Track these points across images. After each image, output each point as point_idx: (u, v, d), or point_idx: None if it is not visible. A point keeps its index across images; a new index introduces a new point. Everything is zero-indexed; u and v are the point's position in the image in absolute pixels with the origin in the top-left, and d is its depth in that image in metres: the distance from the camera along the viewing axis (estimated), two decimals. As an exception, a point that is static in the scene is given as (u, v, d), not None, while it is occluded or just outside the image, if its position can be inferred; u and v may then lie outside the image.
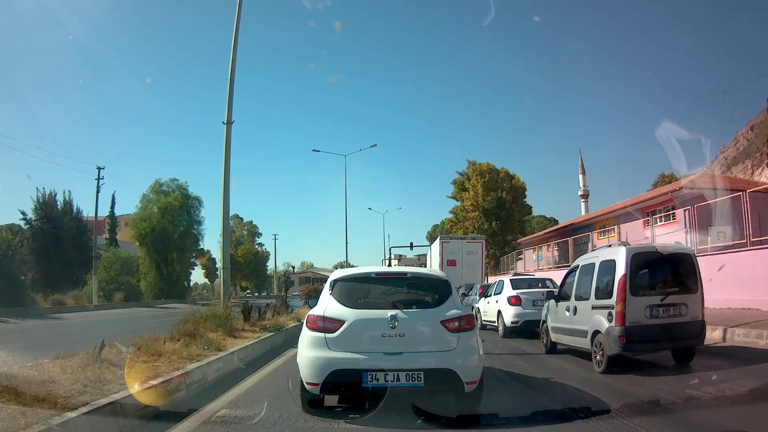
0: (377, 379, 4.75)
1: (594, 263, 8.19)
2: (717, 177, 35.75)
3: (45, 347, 8.12)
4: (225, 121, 11.94)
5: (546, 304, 10.00)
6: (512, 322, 12.74)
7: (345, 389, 5.10)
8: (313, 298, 6.68)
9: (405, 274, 5.86)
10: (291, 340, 11.45)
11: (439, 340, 5.02)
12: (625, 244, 7.96)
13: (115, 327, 14.36)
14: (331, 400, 5.34)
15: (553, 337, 9.41)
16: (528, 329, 12.30)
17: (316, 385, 4.87)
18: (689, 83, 67.35)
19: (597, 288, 7.93)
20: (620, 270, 7.46)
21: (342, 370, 4.82)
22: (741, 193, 15.16)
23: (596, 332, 7.74)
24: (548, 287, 13.84)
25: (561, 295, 9.25)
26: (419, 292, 5.50)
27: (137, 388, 5.12)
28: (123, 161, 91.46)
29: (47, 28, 59.80)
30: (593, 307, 7.91)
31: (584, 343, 8.11)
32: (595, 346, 7.76)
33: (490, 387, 6.33)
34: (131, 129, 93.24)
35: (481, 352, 5.22)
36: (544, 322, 9.86)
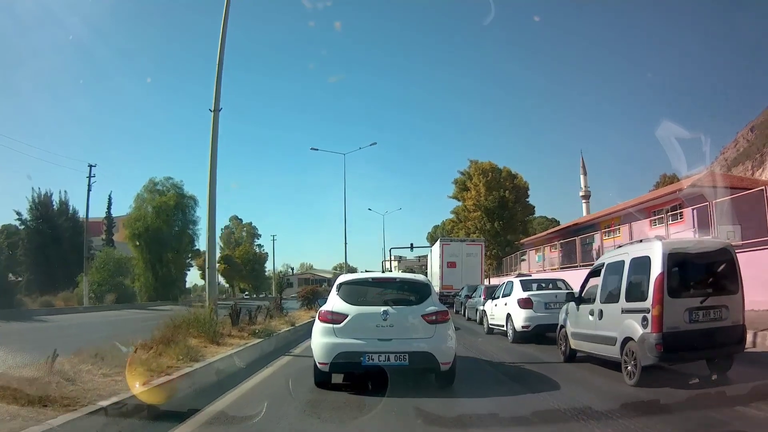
0: (373, 359, 6.01)
1: (623, 261, 7.22)
2: (725, 175, 35.03)
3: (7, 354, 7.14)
4: (212, 108, 11.03)
5: (564, 307, 9.02)
6: (523, 327, 11.78)
7: (348, 367, 6.30)
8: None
9: (395, 279, 7.53)
10: (283, 346, 10.47)
11: (421, 329, 6.27)
12: (660, 238, 7.01)
13: (95, 331, 13.51)
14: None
15: (573, 343, 8.44)
16: (539, 334, 11.56)
17: (326, 364, 6.12)
18: (690, 84, 67.11)
19: (628, 289, 6.97)
20: (656, 268, 6.50)
21: (346, 353, 6.07)
22: (764, 187, 14.30)
23: (627, 339, 6.78)
24: (560, 288, 13.07)
25: (583, 298, 8.29)
26: (405, 292, 6.79)
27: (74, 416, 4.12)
28: (123, 161, 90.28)
29: (47, 28, 58.93)
30: (624, 311, 6.95)
31: (612, 352, 7.15)
32: (626, 355, 6.81)
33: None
34: (131, 129, 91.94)
35: (453, 340, 6.47)
36: (563, 327, 8.88)
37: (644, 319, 6.51)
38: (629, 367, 6.73)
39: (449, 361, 6.23)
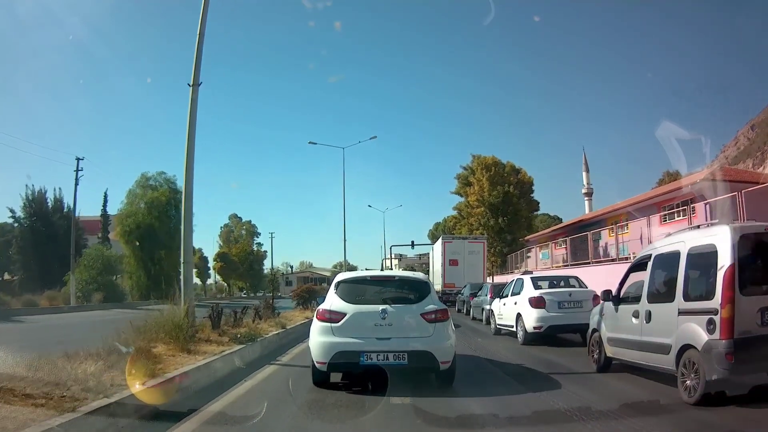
0: (371, 359, 5.93)
1: (678, 251, 5.93)
2: (736, 170, 33.85)
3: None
4: (191, 83, 9.69)
5: (598, 308, 7.72)
6: (535, 328, 10.97)
7: (346, 366, 6.21)
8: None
9: (393, 277, 7.46)
10: (269, 353, 9.10)
11: (419, 328, 6.15)
12: (729, 221, 5.72)
13: (63, 333, 12.32)
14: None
15: (610, 351, 7.16)
16: (551, 335, 11.01)
17: (324, 363, 6.04)
18: (690, 83, 66.38)
19: (687, 285, 5.69)
20: (724, 258, 5.23)
21: (344, 352, 5.98)
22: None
23: (686, 347, 5.52)
24: (573, 286, 12.21)
25: (622, 296, 7.01)
26: (404, 291, 6.64)
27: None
28: (123, 161, 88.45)
29: (47, 28, 57.75)
30: (681, 312, 5.67)
31: (664, 362, 5.88)
32: (684, 367, 5.54)
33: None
34: (131, 128, 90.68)
35: (453, 338, 6.35)
36: (596, 331, 7.59)
37: (710, 322, 5.24)
38: (688, 382, 5.46)
39: (449, 360, 6.18)
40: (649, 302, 6.26)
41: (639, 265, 6.82)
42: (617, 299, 7.04)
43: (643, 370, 6.58)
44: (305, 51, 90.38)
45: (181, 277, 8.88)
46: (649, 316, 6.20)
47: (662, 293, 6.14)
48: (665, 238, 6.51)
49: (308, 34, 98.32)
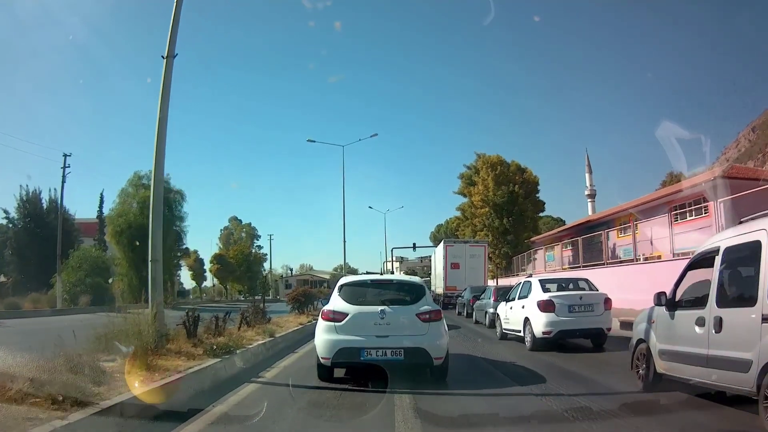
0: (371, 354, 6.57)
1: (758, 241, 4.63)
2: (750, 168, 32.76)
3: None
4: (165, 55, 8.54)
5: (645, 314, 6.42)
6: (544, 333, 10.42)
7: (348, 362, 6.86)
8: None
9: (392, 280, 8.34)
10: (251, 367, 7.77)
11: (415, 327, 6.80)
12: None
13: (23, 339, 11.10)
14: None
15: (662, 366, 5.88)
16: (561, 340, 10.56)
17: (328, 359, 6.70)
18: (690, 84, 65.89)
19: None
20: None
21: (346, 348, 6.64)
22: None
23: (773, 365, 4.28)
24: (583, 289, 11.48)
25: (677, 301, 5.75)
26: (401, 293, 7.38)
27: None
28: (122, 161, 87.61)
29: (47, 28, 57.04)
30: (766, 319, 4.43)
31: (741, 382, 4.63)
32: (772, 390, 4.30)
33: None
34: (130, 128, 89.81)
35: (446, 337, 6.99)
36: (642, 341, 6.30)
37: None
38: (776, 407, 4.23)
39: (442, 356, 6.73)
40: (718, 307, 4.99)
41: (701, 261, 5.57)
42: (672, 303, 5.76)
43: (705, 391, 5.34)
44: (305, 51, 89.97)
45: (149, 277, 7.64)
46: (719, 325, 4.93)
47: (738, 295, 4.90)
48: (737, 227, 5.25)
49: (308, 34, 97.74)
